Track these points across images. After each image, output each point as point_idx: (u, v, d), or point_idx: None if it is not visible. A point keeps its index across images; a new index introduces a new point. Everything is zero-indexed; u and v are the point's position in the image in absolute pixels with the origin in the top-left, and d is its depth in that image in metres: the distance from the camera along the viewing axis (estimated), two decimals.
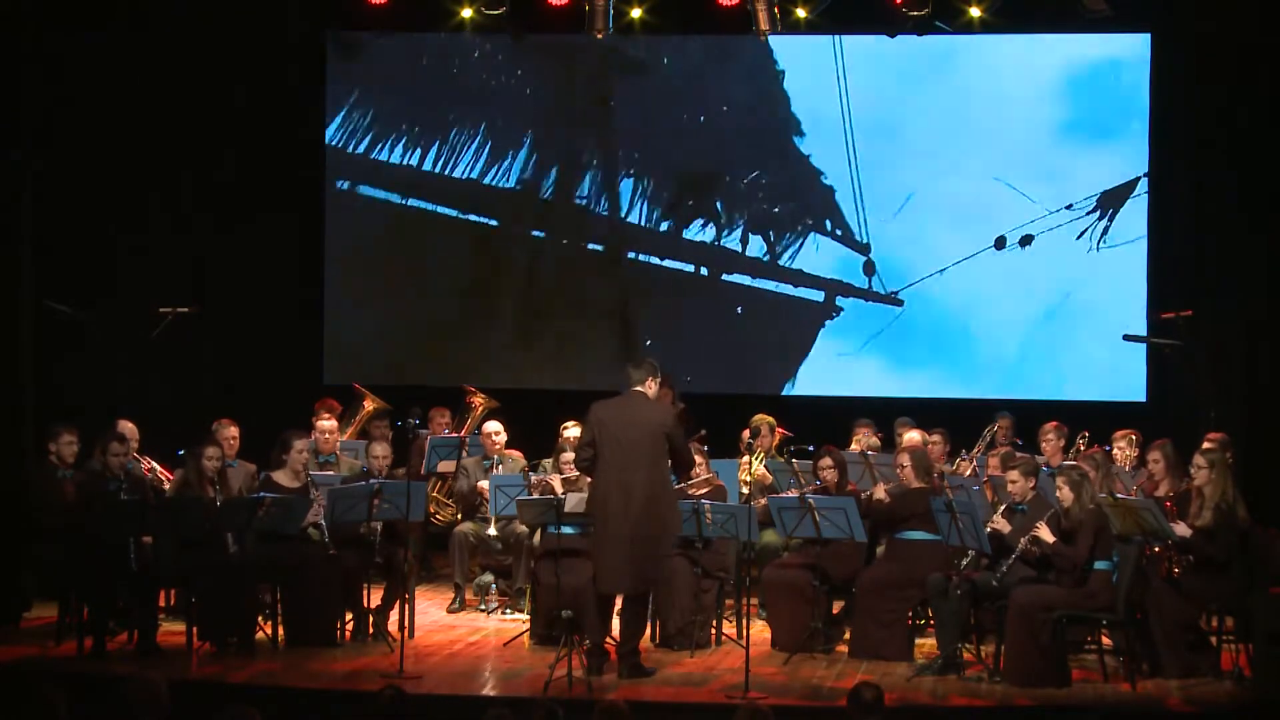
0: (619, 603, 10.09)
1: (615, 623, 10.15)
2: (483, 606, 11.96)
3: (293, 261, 14.79)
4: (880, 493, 10.80)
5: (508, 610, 11.79)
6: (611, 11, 13.26)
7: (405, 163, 15.00)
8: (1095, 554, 9.74)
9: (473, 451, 12.17)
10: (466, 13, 13.76)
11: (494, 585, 12.08)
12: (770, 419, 12.22)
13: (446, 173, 15.00)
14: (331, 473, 11.56)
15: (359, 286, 15.03)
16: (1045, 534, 9.76)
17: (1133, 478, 11.39)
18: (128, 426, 11.39)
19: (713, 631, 10.92)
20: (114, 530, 10.28)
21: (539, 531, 11.14)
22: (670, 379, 13.15)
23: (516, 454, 12.27)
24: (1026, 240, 14.10)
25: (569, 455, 11.24)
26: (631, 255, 14.83)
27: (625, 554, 9.77)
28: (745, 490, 11.41)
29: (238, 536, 10.61)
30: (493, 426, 12.22)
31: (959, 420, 12.83)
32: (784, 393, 14.53)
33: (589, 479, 10.24)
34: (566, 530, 10.45)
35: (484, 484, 11.80)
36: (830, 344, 14.60)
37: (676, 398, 13.09)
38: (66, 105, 13.14)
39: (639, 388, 10.01)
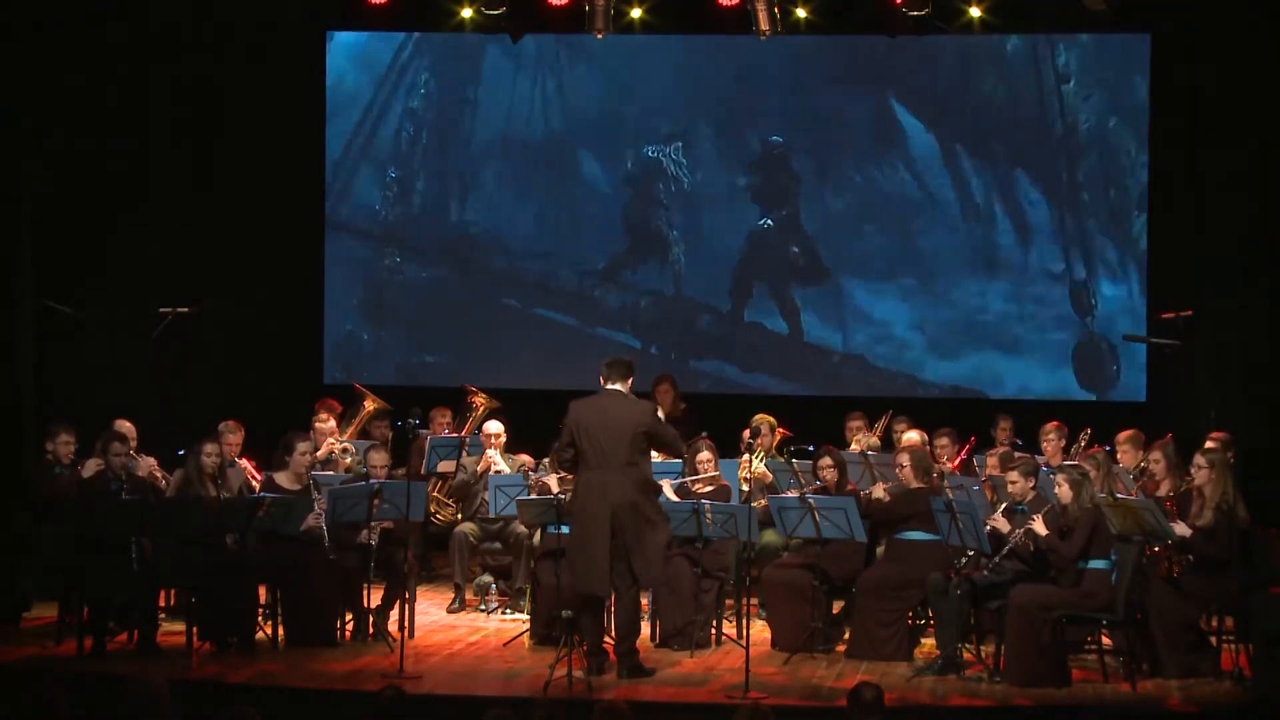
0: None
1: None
2: (483, 606, 11.97)
3: (293, 261, 14.78)
4: (879, 492, 10.80)
5: (508, 610, 11.80)
6: (611, 11, 13.27)
7: (406, 162, 15.03)
8: (1090, 552, 9.74)
9: (472, 451, 12.17)
10: (466, 13, 13.77)
11: (494, 585, 12.09)
12: (771, 419, 12.21)
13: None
14: (331, 473, 11.57)
15: (359, 286, 15.02)
16: (1040, 527, 9.76)
17: (1134, 478, 11.36)
18: (126, 426, 11.38)
19: (713, 631, 10.93)
20: (114, 530, 10.28)
21: (539, 531, 11.15)
22: (672, 377, 13.18)
23: (525, 458, 12.24)
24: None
25: None
26: None
27: (604, 553, 9.77)
28: (745, 489, 11.41)
29: (238, 537, 10.61)
30: (494, 427, 12.22)
31: (959, 420, 12.81)
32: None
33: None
34: (566, 530, 10.44)
35: (491, 453, 11.89)
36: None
37: (678, 396, 13.11)
38: (65, 105, 13.12)
39: (615, 386, 10.03)
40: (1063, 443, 12.00)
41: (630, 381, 10.06)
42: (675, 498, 10.96)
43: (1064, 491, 9.83)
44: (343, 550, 10.73)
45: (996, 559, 9.91)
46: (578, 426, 9.91)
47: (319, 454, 11.76)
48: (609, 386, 10.03)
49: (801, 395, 14.32)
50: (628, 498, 9.77)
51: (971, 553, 10.14)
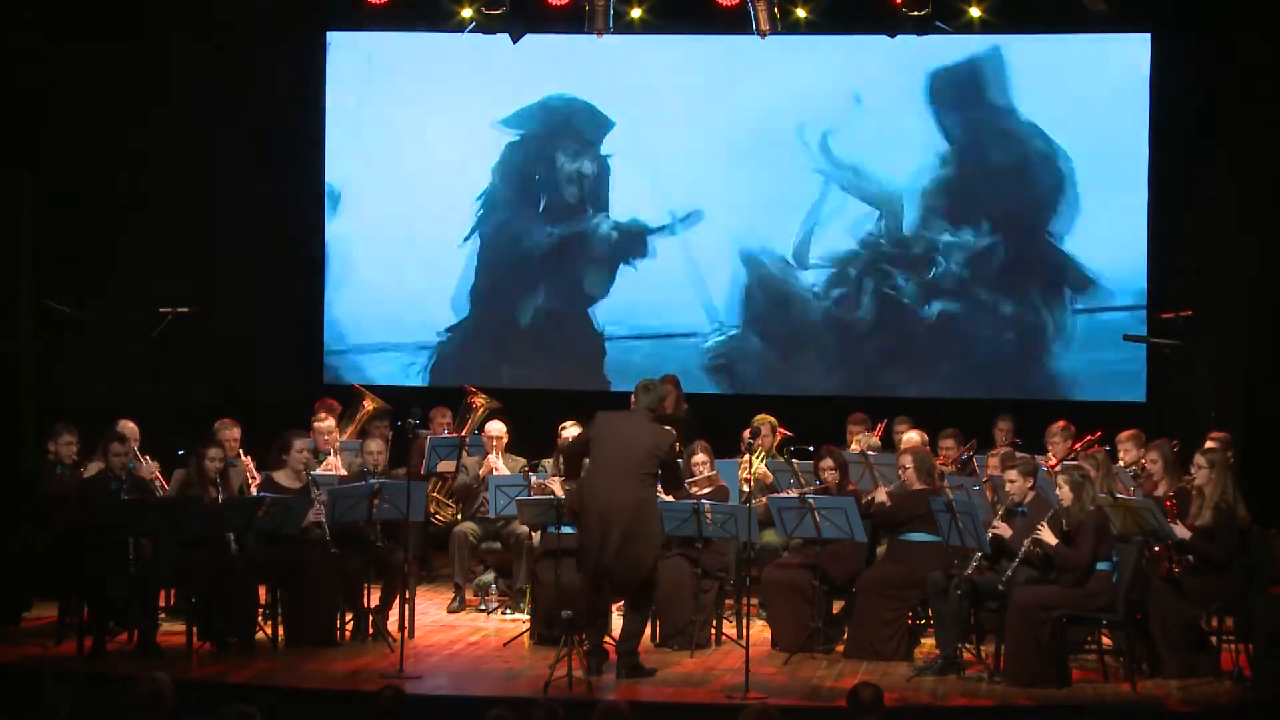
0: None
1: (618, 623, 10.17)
2: (483, 606, 11.97)
3: (293, 261, 14.77)
4: (882, 495, 10.79)
5: (508, 610, 11.80)
6: (611, 11, 13.27)
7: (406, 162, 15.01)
8: (1097, 554, 9.73)
9: (473, 451, 12.17)
10: (466, 13, 13.76)
11: (494, 585, 12.09)
12: (771, 419, 12.22)
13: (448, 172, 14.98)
14: (331, 472, 11.56)
15: (359, 285, 15.00)
16: (1048, 536, 9.75)
17: (1133, 477, 11.35)
18: (128, 426, 11.38)
19: (713, 631, 10.93)
20: (114, 530, 10.27)
21: (539, 531, 11.15)
22: (676, 378, 13.17)
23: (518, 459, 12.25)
24: None
25: None
26: None
27: (602, 556, 9.80)
28: (746, 489, 11.41)
29: (238, 536, 10.61)
30: (496, 429, 12.20)
31: (959, 421, 12.81)
32: None
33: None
34: (566, 530, 10.44)
35: (492, 456, 11.89)
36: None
37: (681, 398, 13.11)
38: (67, 106, 13.13)
39: (645, 407, 10.09)
40: (1069, 443, 11.95)
41: (661, 409, 10.14)
42: (674, 498, 10.95)
43: (1065, 494, 9.81)
44: (344, 547, 10.73)
45: (1009, 571, 9.88)
46: (596, 435, 9.99)
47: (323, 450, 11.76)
48: (640, 407, 10.11)
49: (802, 395, 14.30)
50: (630, 507, 9.79)
51: (977, 558, 10.10)
